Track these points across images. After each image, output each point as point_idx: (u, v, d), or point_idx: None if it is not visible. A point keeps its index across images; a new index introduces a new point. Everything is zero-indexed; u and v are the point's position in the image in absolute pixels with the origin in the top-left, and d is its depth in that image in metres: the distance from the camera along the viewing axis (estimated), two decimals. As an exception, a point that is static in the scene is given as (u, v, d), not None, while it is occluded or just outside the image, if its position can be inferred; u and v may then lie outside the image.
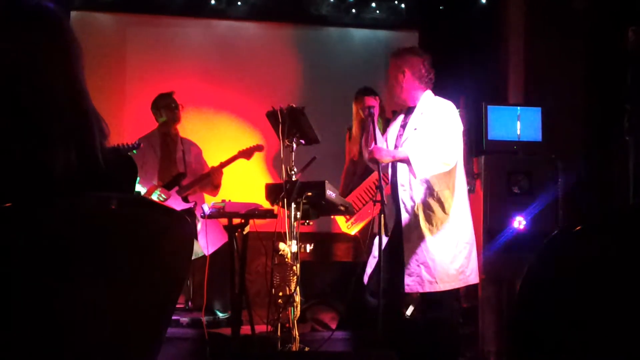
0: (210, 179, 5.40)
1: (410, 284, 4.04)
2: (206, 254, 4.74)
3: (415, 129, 4.08)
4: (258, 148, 5.50)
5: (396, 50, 4.25)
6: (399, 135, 4.17)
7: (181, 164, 5.53)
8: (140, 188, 5.34)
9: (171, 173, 5.48)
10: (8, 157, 1.39)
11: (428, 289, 4.03)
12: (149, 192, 5.28)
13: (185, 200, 5.37)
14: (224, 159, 5.50)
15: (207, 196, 5.62)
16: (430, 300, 4.14)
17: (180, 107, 5.59)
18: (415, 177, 3.94)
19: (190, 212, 5.24)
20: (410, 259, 4.04)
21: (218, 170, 5.38)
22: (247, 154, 5.46)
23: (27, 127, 1.42)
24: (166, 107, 5.54)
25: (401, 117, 4.26)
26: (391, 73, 4.19)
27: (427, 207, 4.06)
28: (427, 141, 3.96)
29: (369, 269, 4.23)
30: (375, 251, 4.18)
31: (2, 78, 1.42)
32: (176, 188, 5.37)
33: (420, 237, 4.06)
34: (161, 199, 5.26)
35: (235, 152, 5.41)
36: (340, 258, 6.14)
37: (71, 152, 1.44)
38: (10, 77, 1.43)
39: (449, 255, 4.04)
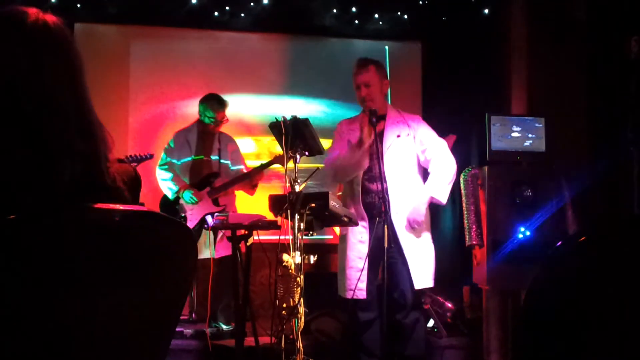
0: (250, 179, 5.36)
1: (419, 280, 4.17)
2: (210, 257, 4.77)
3: (398, 136, 4.30)
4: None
5: (375, 60, 4.42)
6: (371, 142, 4.23)
7: (216, 163, 5.48)
8: (172, 186, 5.32)
9: (203, 171, 5.43)
10: (14, 168, 1.39)
11: (431, 284, 4.23)
12: (181, 191, 5.26)
13: (215, 203, 5.35)
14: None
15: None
16: (413, 298, 4.32)
17: (226, 121, 5.57)
18: (443, 203, 4.38)
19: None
20: (413, 257, 4.17)
21: (259, 171, 5.34)
22: (282, 160, 5.41)
23: (32, 139, 1.42)
24: (216, 112, 5.44)
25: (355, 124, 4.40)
26: (376, 82, 4.34)
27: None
28: (436, 166, 4.30)
29: (350, 282, 4.26)
30: (359, 263, 4.22)
31: (7, 90, 1.43)
32: (207, 189, 5.36)
33: (418, 236, 4.29)
34: (193, 201, 5.23)
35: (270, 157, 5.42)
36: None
37: (76, 163, 1.44)
38: (15, 90, 1.43)
39: (433, 251, 4.40)
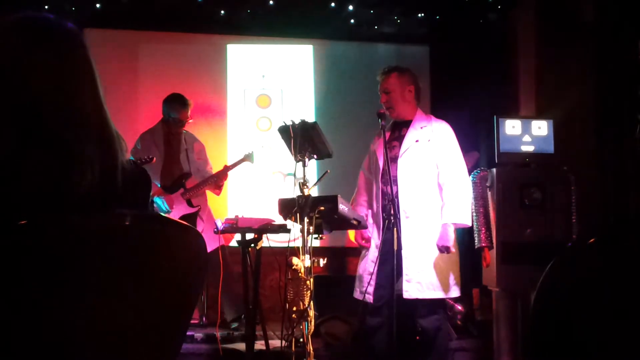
0: (215, 180, 5.40)
1: (409, 289, 4.12)
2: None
3: (417, 141, 4.28)
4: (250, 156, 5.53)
5: (398, 67, 4.44)
6: (393, 147, 4.31)
7: (185, 164, 5.49)
8: None
9: (174, 173, 5.44)
10: (35, 178, 1.39)
11: (428, 295, 4.14)
12: (153, 196, 5.24)
13: (189, 203, 5.36)
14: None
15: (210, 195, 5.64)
16: (423, 308, 4.24)
17: (190, 121, 5.57)
18: (469, 225, 4.34)
19: (194, 216, 5.23)
20: (410, 265, 4.15)
21: (224, 173, 5.40)
22: (250, 157, 5.47)
23: (55, 150, 1.42)
24: (180, 112, 5.45)
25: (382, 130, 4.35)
26: (395, 88, 4.36)
27: (428, 215, 4.25)
28: (449, 187, 4.24)
29: (368, 286, 4.24)
30: (371, 266, 4.21)
31: (31, 101, 1.43)
32: (181, 190, 5.36)
33: (423, 244, 4.22)
34: (165, 209, 5.22)
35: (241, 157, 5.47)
36: (353, 272, 6.11)
37: (95, 173, 1.45)
38: (42, 100, 1.43)
39: (446, 263, 4.25)
